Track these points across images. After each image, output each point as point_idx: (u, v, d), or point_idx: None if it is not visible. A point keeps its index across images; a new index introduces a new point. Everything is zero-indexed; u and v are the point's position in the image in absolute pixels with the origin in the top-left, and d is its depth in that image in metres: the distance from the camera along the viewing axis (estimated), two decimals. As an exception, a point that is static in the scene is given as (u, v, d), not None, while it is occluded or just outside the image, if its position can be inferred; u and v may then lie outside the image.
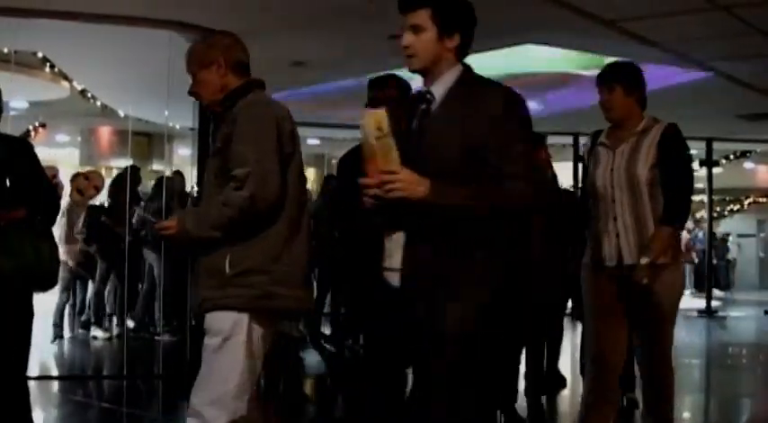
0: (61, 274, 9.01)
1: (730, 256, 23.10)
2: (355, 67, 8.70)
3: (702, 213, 20.19)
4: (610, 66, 4.25)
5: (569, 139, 13.60)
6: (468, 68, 2.94)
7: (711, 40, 7.85)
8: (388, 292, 3.28)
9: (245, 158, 3.07)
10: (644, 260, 3.91)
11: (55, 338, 9.18)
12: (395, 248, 3.20)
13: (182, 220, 3.22)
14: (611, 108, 4.11)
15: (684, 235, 21.74)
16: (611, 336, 4.10)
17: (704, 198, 15.87)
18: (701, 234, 21.32)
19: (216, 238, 3.12)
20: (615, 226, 4.03)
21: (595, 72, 4.32)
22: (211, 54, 3.30)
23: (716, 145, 14.72)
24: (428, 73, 2.91)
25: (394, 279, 3.27)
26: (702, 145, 14.48)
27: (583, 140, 4.91)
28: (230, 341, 3.13)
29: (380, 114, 2.74)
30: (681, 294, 4.20)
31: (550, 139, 7.58)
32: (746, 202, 23.40)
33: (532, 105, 11.83)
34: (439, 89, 2.89)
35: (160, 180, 9.65)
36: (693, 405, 7.03)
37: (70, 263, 9.21)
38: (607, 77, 4.15)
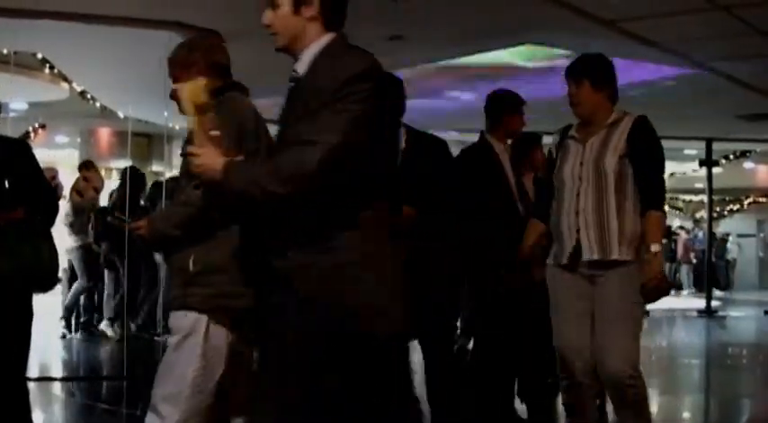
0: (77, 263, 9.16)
1: (730, 256, 23.11)
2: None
3: (702, 213, 20.22)
4: (578, 59, 4.04)
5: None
6: (338, 37, 2.67)
7: (711, 41, 7.85)
8: None
9: None
10: (654, 247, 3.72)
11: (67, 325, 9.39)
12: None
13: (152, 219, 3.36)
14: (579, 103, 3.91)
15: (683, 235, 21.78)
16: (579, 334, 3.85)
17: (704, 198, 15.89)
18: (700, 234, 21.33)
19: (178, 236, 3.19)
20: (577, 221, 3.82)
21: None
22: (192, 57, 3.35)
23: (715, 145, 14.72)
24: (294, 49, 2.67)
25: None
26: (702, 145, 14.49)
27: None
28: (188, 340, 3.19)
29: (190, 88, 2.57)
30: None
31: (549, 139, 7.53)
32: (746, 202, 23.42)
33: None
34: (303, 65, 2.65)
35: (157, 183, 9.66)
36: (693, 405, 7.04)
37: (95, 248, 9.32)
38: (575, 71, 3.95)
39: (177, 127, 12.42)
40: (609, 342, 3.74)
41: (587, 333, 3.85)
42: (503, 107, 5.13)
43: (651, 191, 3.81)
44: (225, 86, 3.34)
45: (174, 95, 3.36)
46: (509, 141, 5.22)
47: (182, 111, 3.39)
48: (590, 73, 3.90)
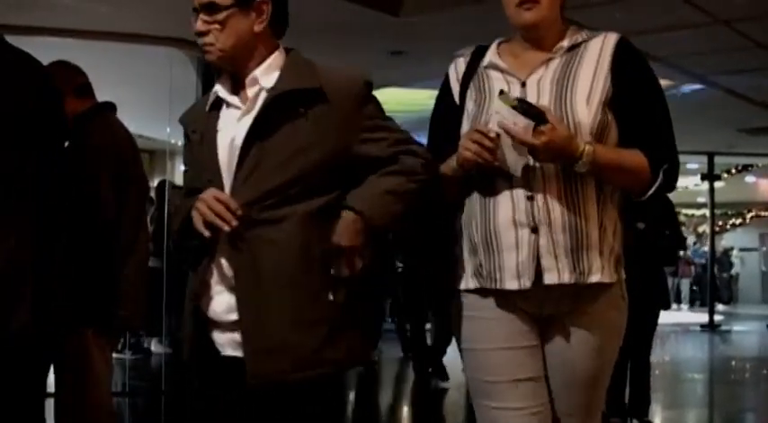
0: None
1: (732, 270, 23.07)
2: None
3: (704, 227, 20.19)
4: None
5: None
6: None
7: (712, 55, 7.87)
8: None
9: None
10: (588, 147, 2.18)
11: None
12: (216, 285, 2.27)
13: None
14: (538, 2, 2.26)
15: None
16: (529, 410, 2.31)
17: (706, 212, 15.89)
18: (702, 248, 21.31)
19: None
20: (531, 213, 2.21)
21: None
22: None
23: (717, 159, 14.73)
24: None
25: (221, 341, 2.27)
26: (704, 159, 14.50)
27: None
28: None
29: None
30: (623, 332, 2.36)
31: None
32: (748, 216, 23.38)
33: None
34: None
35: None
36: (697, 420, 7.01)
37: None
38: None
39: (179, 143, 12.48)
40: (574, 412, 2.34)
41: (545, 402, 2.34)
42: None
43: (661, 153, 2.31)
44: (95, 107, 3.45)
45: None
46: None
47: None
48: None
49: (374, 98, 2.29)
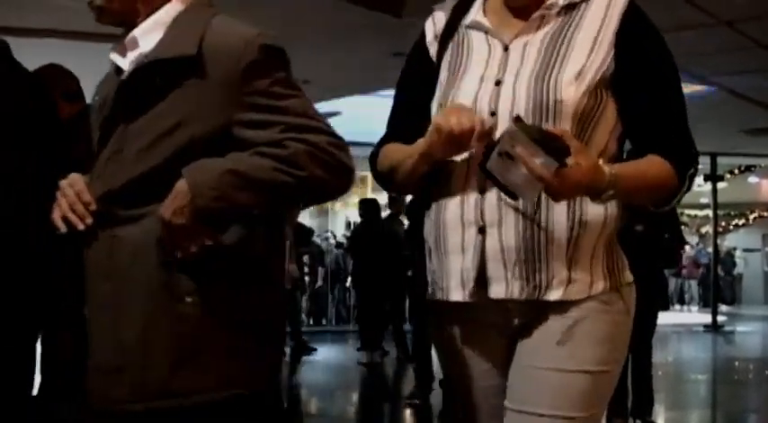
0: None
1: (735, 270, 23.06)
2: (361, 83, 8.72)
3: (707, 228, 20.19)
4: None
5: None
6: None
7: (715, 55, 7.87)
8: None
9: None
10: (609, 169, 1.70)
11: None
12: None
13: None
14: None
15: (688, 250, 21.74)
16: None
17: (709, 213, 15.90)
18: (702, 249, 21.32)
19: None
20: (480, 209, 1.78)
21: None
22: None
23: (720, 160, 14.73)
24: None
25: None
26: (707, 160, 14.50)
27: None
28: None
29: None
30: (624, 352, 1.86)
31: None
32: (751, 217, 23.37)
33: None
34: None
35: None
36: (700, 421, 7.01)
37: None
38: None
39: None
40: None
41: None
42: None
43: (686, 158, 1.82)
44: (84, 110, 3.46)
45: None
46: None
47: None
48: None
49: (272, 68, 1.75)
